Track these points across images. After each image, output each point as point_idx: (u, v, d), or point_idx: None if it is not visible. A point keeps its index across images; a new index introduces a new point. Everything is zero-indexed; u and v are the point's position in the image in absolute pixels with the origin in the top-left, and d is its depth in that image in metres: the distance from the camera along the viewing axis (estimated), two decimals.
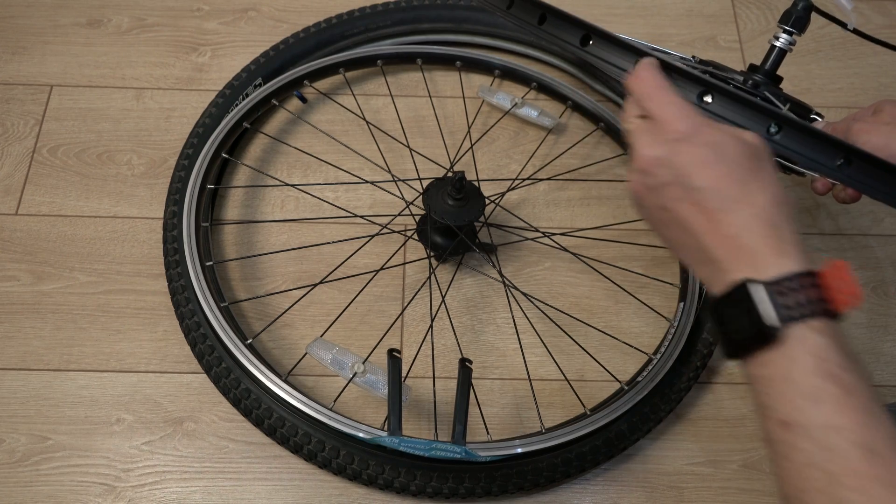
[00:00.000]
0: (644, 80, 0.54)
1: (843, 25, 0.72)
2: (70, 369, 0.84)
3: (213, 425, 0.82)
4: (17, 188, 0.95)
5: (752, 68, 0.71)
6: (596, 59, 0.59)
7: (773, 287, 0.47)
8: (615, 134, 0.99)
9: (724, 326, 0.50)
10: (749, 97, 0.55)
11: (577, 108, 1.02)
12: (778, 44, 0.69)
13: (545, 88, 1.03)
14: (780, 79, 0.70)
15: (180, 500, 0.78)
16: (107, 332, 0.86)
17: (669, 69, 0.55)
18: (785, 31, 0.69)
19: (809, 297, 0.46)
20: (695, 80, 0.55)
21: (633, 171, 0.54)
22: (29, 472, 0.79)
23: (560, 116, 1.03)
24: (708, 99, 0.55)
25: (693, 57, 0.77)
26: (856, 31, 0.72)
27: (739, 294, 0.48)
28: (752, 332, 0.48)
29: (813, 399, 0.45)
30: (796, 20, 0.69)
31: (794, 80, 1.09)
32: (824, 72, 1.10)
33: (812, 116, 0.69)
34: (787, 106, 0.67)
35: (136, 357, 0.85)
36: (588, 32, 0.59)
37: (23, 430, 0.81)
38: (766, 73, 0.69)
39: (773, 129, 0.55)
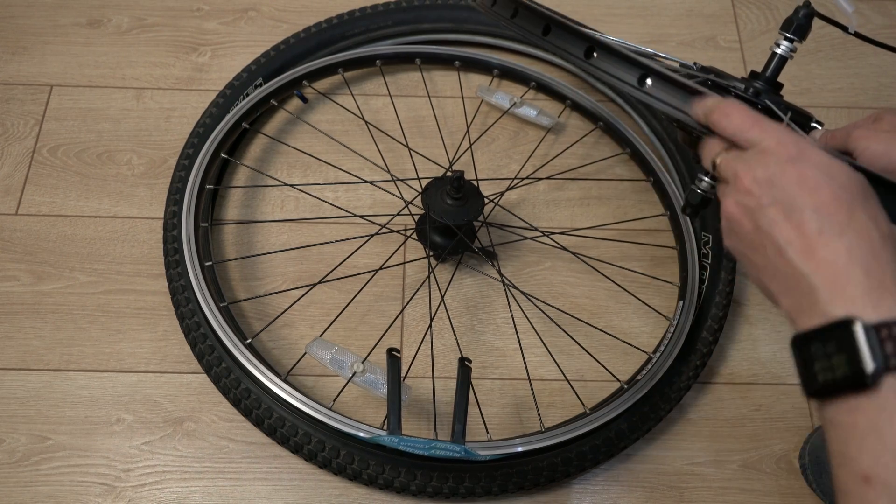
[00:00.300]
0: (737, 113, 0.52)
1: (845, 29, 0.72)
2: (70, 369, 0.84)
3: (213, 425, 0.82)
4: (17, 188, 0.95)
5: (753, 75, 0.71)
6: (600, 72, 0.59)
7: (879, 330, 0.43)
8: (614, 133, 0.99)
9: (811, 363, 0.46)
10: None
11: (576, 107, 1.02)
12: (779, 51, 0.69)
13: (544, 88, 1.03)
14: (781, 86, 0.71)
15: (180, 500, 0.78)
16: (107, 332, 0.86)
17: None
18: (786, 39, 0.69)
19: None
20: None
21: (730, 194, 0.52)
22: (29, 472, 0.79)
23: (559, 116, 1.03)
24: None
25: (695, 64, 0.77)
26: (857, 35, 0.72)
27: (838, 332, 0.44)
28: (844, 374, 0.44)
29: None
30: (797, 28, 0.69)
31: (795, 80, 1.09)
32: (824, 72, 1.10)
33: (812, 125, 0.69)
34: (789, 115, 0.66)
35: (136, 357, 0.85)
36: (592, 45, 0.59)
37: (23, 430, 0.81)
38: (767, 81, 0.69)
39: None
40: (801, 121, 0.67)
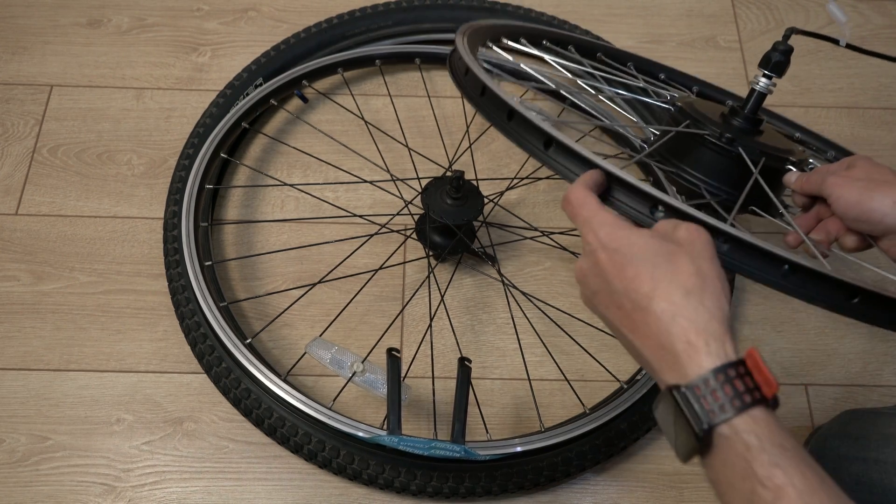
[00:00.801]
0: (570, 202, 0.55)
1: (836, 42, 0.72)
2: (70, 369, 0.84)
3: (213, 425, 0.82)
4: (17, 188, 0.95)
5: (733, 111, 0.71)
6: (556, 164, 0.59)
7: (693, 390, 0.46)
8: (613, 133, 0.99)
9: (670, 436, 0.48)
10: (691, 212, 0.54)
11: (575, 107, 1.01)
12: (758, 87, 0.69)
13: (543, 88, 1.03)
14: (761, 121, 0.71)
15: (180, 500, 0.78)
16: (107, 332, 0.86)
17: (619, 183, 0.56)
18: (764, 76, 0.69)
19: (730, 392, 0.45)
20: (643, 195, 0.56)
21: (579, 284, 0.57)
22: (29, 472, 0.79)
23: (558, 116, 1.02)
24: (659, 212, 0.56)
25: (674, 106, 0.76)
26: (849, 46, 0.72)
27: (669, 400, 0.47)
28: (686, 439, 0.46)
29: (748, 503, 0.44)
30: (775, 65, 0.69)
31: (795, 80, 1.09)
32: (824, 72, 1.10)
33: (787, 168, 0.69)
34: (763, 160, 0.66)
35: (136, 357, 0.85)
36: (549, 138, 0.59)
37: (23, 430, 0.81)
38: (746, 118, 0.69)
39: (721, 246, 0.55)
40: (777, 164, 0.67)
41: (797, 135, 0.89)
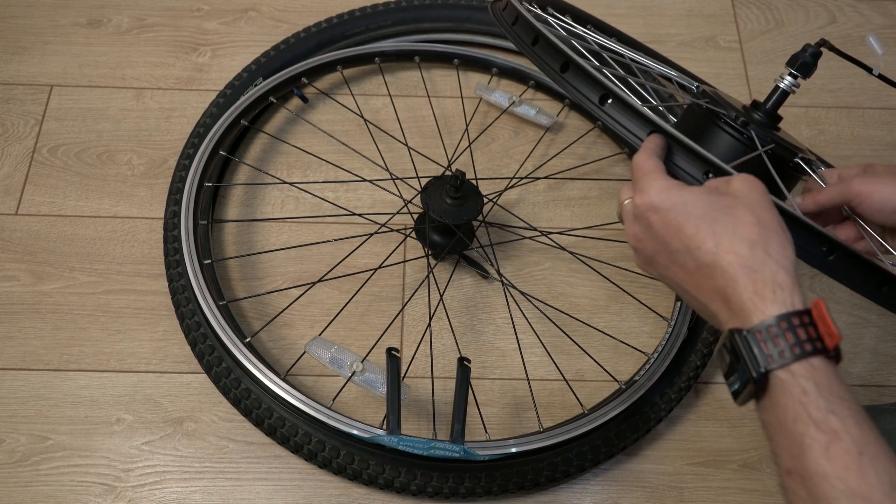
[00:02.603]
0: (637, 167, 0.56)
1: (869, 70, 0.72)
2: (70, 369, 0.84)
3: (213, 425, 0.82)
4: (17, 188, 0.95)
5: (755, 105, 0.71)
6: (610, 120, 0.60)
7: (754, 334, 0.47)
8: (612, 132, 0.99)
9: (725, 376, 0.51)
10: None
11: (575, 106, 1.02)
12: (782, 85, 0.70)
13: (543, 87, 1.03)
14: (780, 118, 0.71)
15: (180, 500, 0.78)
16: (107, 332, 0.86)
17: (683, 148, 0.57)
18: (790, 75, 0.69)
19: (791, 340, 0.46)
20: (700, 159, 0.56)
21: (633, 251, 0.58)
22: (29, 472, 0.79)
23: (558, 115, 1.03)
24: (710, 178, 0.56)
25: (697, 87, 0.76)
26: (881, 77, 0.72)
27: (730, 345, 0.49)
28: (742, 381, 0.48)
29: (801, 446, 0.45)
30: (802, 65, 0.69)
31: None
32: (824, 72, 1.09)
33: (797, 160, 0.69)
34: (771, 146, 0.67)
35: (136, 357, 0.85)
36: (606, 93, 0.59)
37: (23, 430, 0.81)
38: (766, 113, 0.70)
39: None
40: (786, 155, 0.67)
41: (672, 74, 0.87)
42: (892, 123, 1.07)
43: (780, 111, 0.71)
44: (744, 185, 0.52)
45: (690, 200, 0.52)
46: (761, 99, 0.71)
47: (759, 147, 0.65)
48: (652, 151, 0.56)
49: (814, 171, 0.69)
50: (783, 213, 0.53)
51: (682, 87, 0.81)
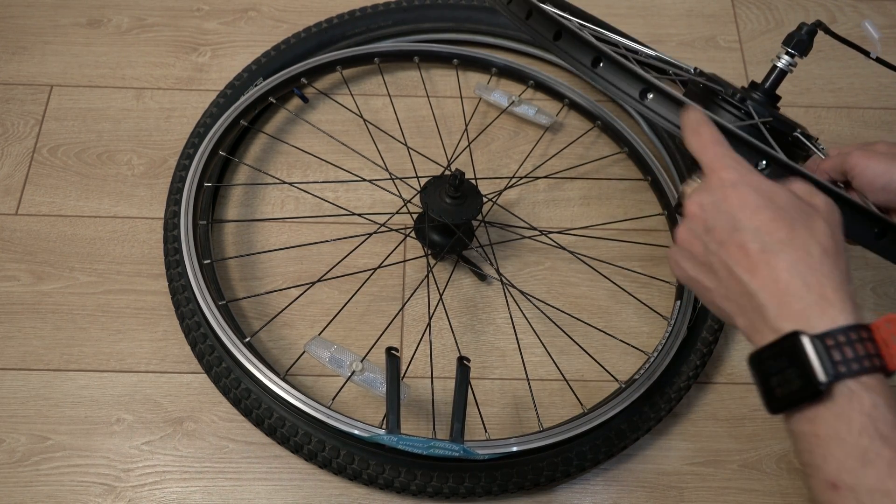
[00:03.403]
0: (701, 134, 0.54)
1: (866, 54, 0.72)
2: (70, 369, 0.84)
3: (213, 425, 0.82)
4: (17, 188, 0.95)
5: (753, 85, 0.71)
6: (604, 83, 0.60)
7: (824, 340, 0.45)
8: (612, 132, 0.99)
9: (768, 379, 0.48)
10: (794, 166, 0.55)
11: (574, 106, 1.02)
12: (779, 64, 0.70)
13: (542, 86, 1.03)
14: (779, 98, 0.71)
15: (180, 500, 0.78)
16: (107, 332, 0.86)
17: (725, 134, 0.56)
18: (787, 53, 0.70)
19: (861, 352, 0.45)
20: (755, 149, 0.56)
21: (681, 223, 0.54)
22: (29, 472, 0.79)
23: (557, 115, 1.03)
24: (763, 165, 0.56)
25: (694, 69, 0.77)
26: (878, 60, 0.73)
27: (787, 346, 0.46)
28: (799, 386, 0.46)
29: (862, 460, 0.43)
30: (798, 43, 0.70)
31: (795, 80, 1.09)
32: (824, 72, 1.10)
33: (796, 135, 0.69)
34: (769, 119, 0.67)
35: (136, 357, 0.85)
36: (644, 80, 0.59)
37: (23, 430, 0.81)
38: (765, 92, 0.70)
39: (761, 165, 0.56)
40: (785, 129, 0.67)
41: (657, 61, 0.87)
42: (892, 123, 1.07)
43: (780, 110, 0.71)
44: (827, 204, 0.51)
45: (777, 192, 0.50)
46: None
47: (756, 118, 0.65)
48: (712, 124, 0.55)
49: (815, 146, 0.70)
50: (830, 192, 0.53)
51: (677, 70, 0.81)
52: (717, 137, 0.54)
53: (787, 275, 0.47)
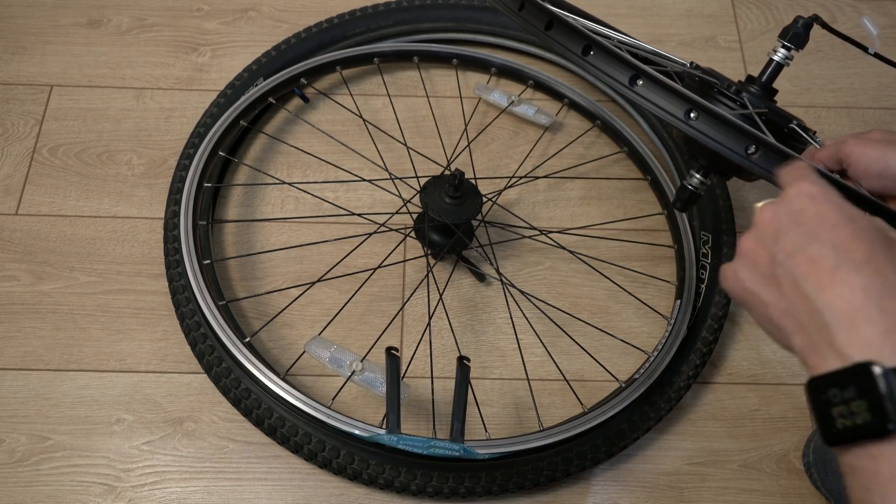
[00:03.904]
0: (800, 168, 0.52)
1: (865, 49, 0.72)
2: (70, 369, 0.84)
3: (213, 425, 0.82)
4: (17, 188, 0.95)
5: (750, 79, 0.71)
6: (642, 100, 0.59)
7: None
8: (611, 131, 0.99)
9: (828, 408, 0.44)
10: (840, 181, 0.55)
11: (574, 105, 1.02)
12: (776, 58, 0.70)
13: (542, 86, 1.03)
14: (775, 91, 0.71)
15: (180, 500, 0.78)
16: (107, 332, 0.86)
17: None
18: (783, 47, 0.70)
19: None
20: (746, 133, 0.56)
21: (748, 231, 0.51)
22: (29, 472, 0.79)
23: (557, 114, 1.03)
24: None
25: (690, 63, 0.77)
26: (876, 55, 0.73)
27: (857, 376, 0.42)
28: (866, 421, 0.42)
29: None
30: (794, 36, 0.70)
31: (795, 80, 1.09)
32: (824, 72, 1.10)
33: (792, 126, 0.69)
34: (764, 110, 0.67)
35: (136, 357, 0.85)
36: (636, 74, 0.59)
37: (23, 430, 0.81)
38: (762, 86, 0.70)
39: (750, 150, 0.56)
40: (781, 121, 0.68)
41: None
42: (892, 123, 1.07)
43: (777, 104, 0.72)
44: (883, 228, 0.48)
45: (858, 215, 0.47)
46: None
47: (750, 108, 0.65)
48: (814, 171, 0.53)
49: (811, 138, 0.70)
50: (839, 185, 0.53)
51: (673, 64, 0.81)
52: (808, 164, 0.52)
53: (861, 296, 0.44)
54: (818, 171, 0.53)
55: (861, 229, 0.46)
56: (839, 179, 0.56)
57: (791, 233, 0.48)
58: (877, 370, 0.41)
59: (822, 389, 0.44)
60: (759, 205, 0.52)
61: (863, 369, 0.42)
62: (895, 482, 0.42)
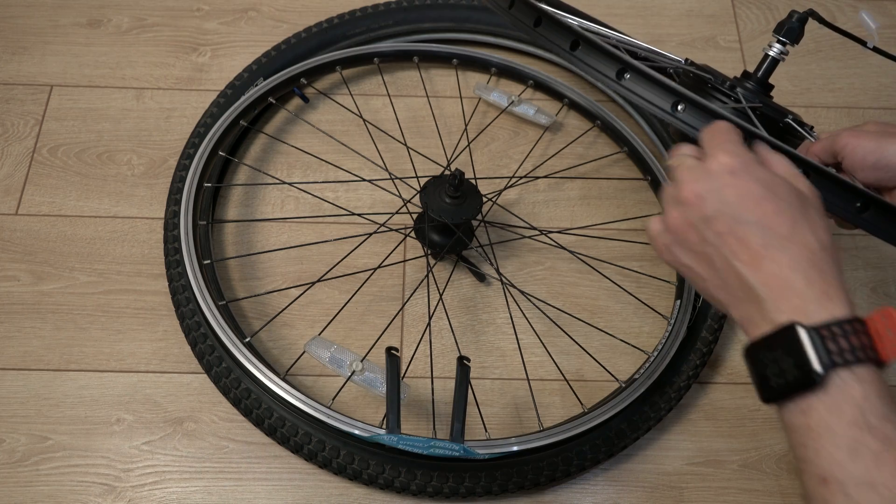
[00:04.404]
0: (726, 127, 0.54)
1: (863, 44, 0.73)
2: (70, 369, 0.84)
3: (213, 425, 0.82)
4: (17, 188, 0.95)
5: (746, 75, 0.71)
6: (583, 67, 0.60)
7: (820, 331, 0.46)
8: (611, 131, 0.99)
9: (763, 369, 0.48)
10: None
11: (574, 105, 1.02)
12: (771, 53, 0.71)
13: (541, 86, 1.03)
14: (771, 87, 0.71)
15: (180, 500, 0.78)
16: (107, 332, 0.86)
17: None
18: (778, 42, 0.70)
19: (856, 343, 0.45)
20: (738, 127, 0.56)
21: (672, 205, 0.53)
22: (29, 472, 0.79)
23: (557, 114, 1.03)
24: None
25: (686, 60, 0.77)
26: (875, 50, 0.73)
27: (785, 337, 0.47)
28: (794, 377, 0.46)
29: (851, 452, 0.44)
30: (788, 31, 0.70)
31: (795, 80, 1.09)
32: (824, 72, 1.10)
33: (787, 121, 0.69)
34: (758, 105, 0.67)
35: (136, 357, 0.85)
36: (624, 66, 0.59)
37: (23, 430, 0.81)
38: (758, 81, 0.70)
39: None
40: (776, 116, 0.68)
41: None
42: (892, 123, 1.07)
43: (773, 99, 0.72)
44: (811, 190, 0.52)
45: (780, 184, 0.50)
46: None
47: (744, 103, 0.65)
48: (736, 126, 0.55)
49: (807, 132, 0.70)
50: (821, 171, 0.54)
51: (667, 60, 0.81)
52: (726, 127, 0.54)
53: (789, 271, 0.48)
54: (743, 126, 0.55)
55: (781, 200, 0.50)
56: (762, 134, 0.56)
57: (718, 213, 0.50)
58: (800, 330, 0.46)
59: (756, 354, 0.49)
60: (675, 163, 0.54)
61: (789, 330, 0.47)
62: (824, 434, 0.45)
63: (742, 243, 0.49)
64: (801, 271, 0.48)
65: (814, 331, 0.46)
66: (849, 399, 0.45)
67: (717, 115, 0.56)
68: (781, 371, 0.47)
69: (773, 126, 0.67)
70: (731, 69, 1.09)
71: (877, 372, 0.46)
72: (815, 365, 0.45)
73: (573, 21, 0.67)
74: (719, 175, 0.51)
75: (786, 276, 0.48)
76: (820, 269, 0.48)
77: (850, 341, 0.45)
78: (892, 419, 0.44)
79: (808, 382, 0.46)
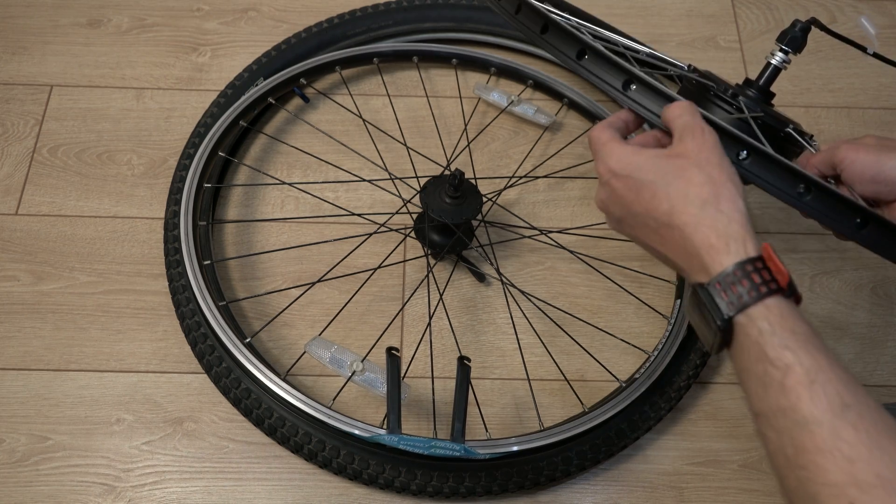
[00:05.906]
0: (590, 140, 0.60)
1: (863, 50, 0.73)
2: (70, 369, 0.84)
3: (213, 425, 0.82)
4: (17, 188, 0.95)
5: (748, 82, 0.71)
6: (590, 75, 0.62)
7: (714, 286, 0.50)
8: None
9: (696, 330, 0.54)
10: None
11: (574, 105, 1.02)
12: (773, 61, 0.71)
13: (541, 86, 1.03)
14: (773, 95, 0.71)
15: (180, 500, 0.78)
16: (107, 332, 0.86)
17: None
18: (781, 50, 0.70)
19: (757, 280, 0.49)
20: (734, 138, 0.58)
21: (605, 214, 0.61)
22: (29, 472, 0.79)
23: (556, 114, 1.03)
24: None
25: (689, 66, 0.77)
26: (876, 55, 0.73)
27: (695, 299, 0.52)
28: (711, 330, 0.50)
29: (763, 386, 0.47)
30: (791, 40, 0.70)
31: (795, 80, 1.09)
32: (824, 72, 1.10)
33: (787, 130, 0.69)
34: (760, 114, 0.67)
35: (136, 357, 0.85)
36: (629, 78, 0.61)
37: (23, 430, 0.81)
38: (759, 89, 0.70)
39: (741, 155, 0.58)
40: (777, 125, 0.68)
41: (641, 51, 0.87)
42: (892, 123, 1.07)
43: (781, 110, 0.72)
44: (695, 143, 0.54)
45: (645, 165, 0.55)
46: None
47: (746, 112, 0.65)
48: (608, 124, 0.60)
49: (807, 142, 0.70)
50: (759, 150, 0.56)
51: (671, 67, 0.81)
52: (595, 136, 0.60)
53: (681, 239, 0.52)
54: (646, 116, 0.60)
55: (653, 182, 0.54)
56: (725, 126, 0.58)
57: (622, 213, 0.57)
58: (699, 290, 0.51)
59: (689, 317, 0.55)
60: (596, 133, 0.60)
61: (695, 293, 0.51)
62: (743, 374, 0.49)
63: (647, 229, 0.55)
64: (689, 238, 0.52)
65: (703, 289, 0.50)
66: (749, 339, 0.48)
67: (727, 134, 0.57)
68: (705, 329, 0.52)
69: (773, 135, 0.67)
70: (731, 69, 1.09)
71: (782, 302, 0.49)
72: (717, 320, 0.49)
73: (579, 24, 0.67)
74: (607, 183, 0.58)
75: (682, 247, 0.52)
76: (706, 226, 0.51)
77: (751, 280, 0.49)
78: (789, 346, 0.47)
79: (722, 333, 0.50)
